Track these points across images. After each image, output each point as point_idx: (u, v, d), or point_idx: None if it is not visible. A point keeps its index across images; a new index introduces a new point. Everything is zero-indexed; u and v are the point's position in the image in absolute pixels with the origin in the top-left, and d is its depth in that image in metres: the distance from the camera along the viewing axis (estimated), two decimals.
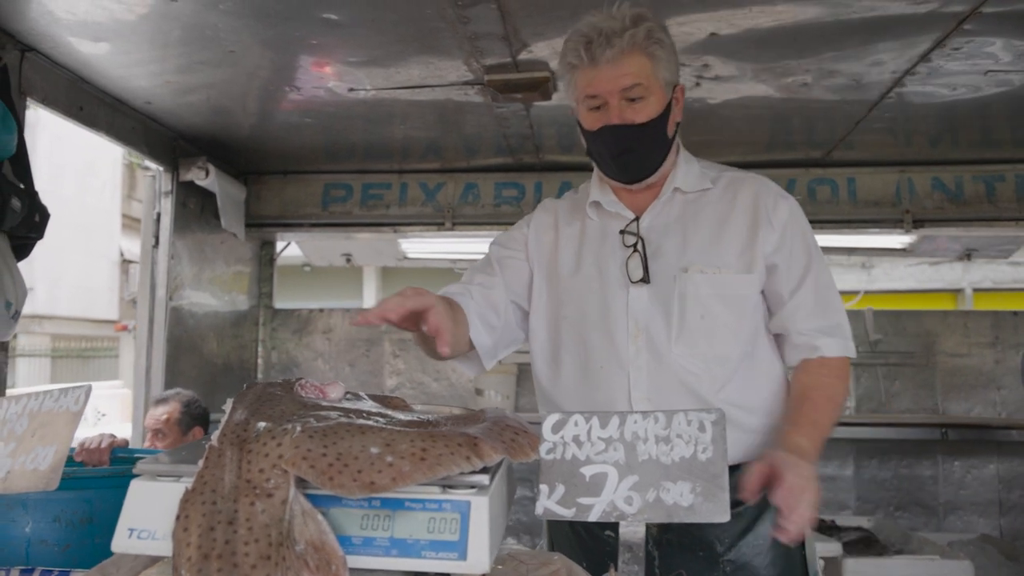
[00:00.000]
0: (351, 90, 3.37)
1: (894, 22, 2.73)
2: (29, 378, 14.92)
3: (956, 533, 4.59)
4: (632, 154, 1.86)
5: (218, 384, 4.42)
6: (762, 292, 1.91)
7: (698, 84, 3.29)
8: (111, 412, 11.63)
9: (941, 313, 5.16)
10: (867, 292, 12.46)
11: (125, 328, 16.33)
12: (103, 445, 2.49)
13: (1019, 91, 3.34)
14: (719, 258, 1.87)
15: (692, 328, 1.83)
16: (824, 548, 3.70)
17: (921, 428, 4.58)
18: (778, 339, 1.94)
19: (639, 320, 1.86)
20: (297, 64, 3.13)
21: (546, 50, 2.96)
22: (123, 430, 3.92)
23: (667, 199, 1.94)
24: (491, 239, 2.16)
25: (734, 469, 1.77)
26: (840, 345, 1.88)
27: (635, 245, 1.89)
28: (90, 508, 1.82)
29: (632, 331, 1.86)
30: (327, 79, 3.26)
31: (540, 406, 2.05)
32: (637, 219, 1.93)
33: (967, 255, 5.91)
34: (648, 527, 1.45)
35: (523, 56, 3.00)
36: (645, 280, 1.86)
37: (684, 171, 1.95)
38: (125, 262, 17.48)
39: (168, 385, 3.81)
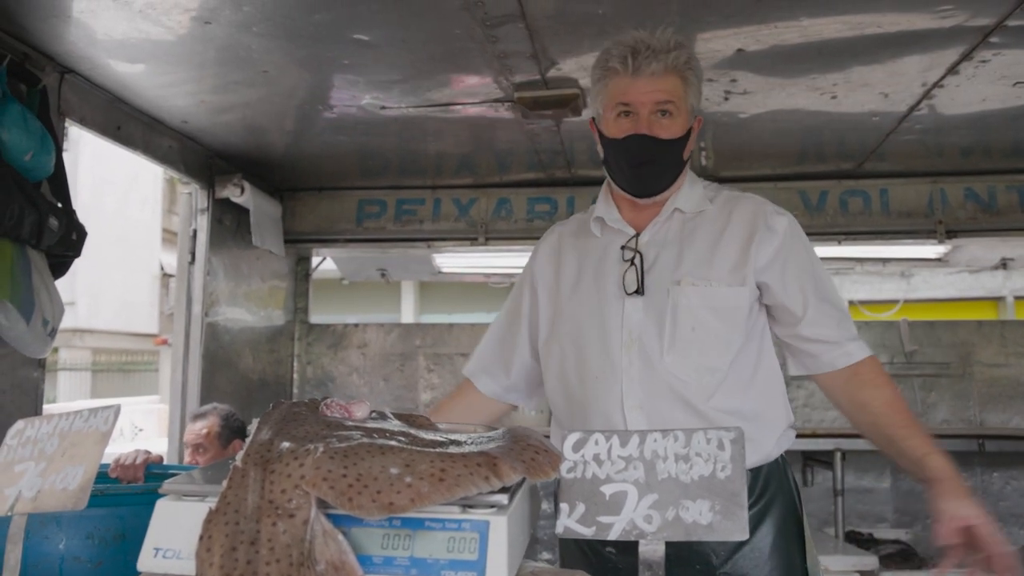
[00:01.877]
0: (383, 108, 3.42)
1: (920, 36, 2.73)
2: (70, 392, 15.11)
3: None
4: (651, 167, 1.91)
5: (254, 399, 4.48)
6: (767, 306, 1.97)
7: (727, 99, 3.29)
8: (148, 427, 11.68)
9: (976, 323, 5.11)
10: (907, 301, 12.31)
11: (165, 342, 16.53)
12: (138, 461, 2.51)
13: None
14: (711, 271, 1.91)
15: (683, 339, 1.87)
16: (861, 562, 3.68)
17: (958, 440, 4.53)
18: (794, 349, 1.98)
19: (633, 331, 1.91)
20: (330, 83, 3.18)
21: (574, 67, 2.98)
22: (160, 445, 3.97)
23: (667, 217, 1.99)
24: (524, 253, 2.26)
25: None
26: (866, 347, 1.95)
27: (632, 259, 1.95)
28: (123, 525, 1.84)
29: (626, 341, 1.90)
30: (360, 98, 3.31)
31: (552, 421, 2.14)
32: (637, 235, 1.98)
33: (1003, 264, 5.82)
34: None
35: (552, 73, 3.03)
36: (639, 292, 1.91)
37: (687, 193, 2.00)
38: (166, 276, 17.71)
39: (204, 401, 3.87)
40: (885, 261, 5.57)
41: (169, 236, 17.52)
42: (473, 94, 3.26)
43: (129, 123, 3.44)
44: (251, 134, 3.83)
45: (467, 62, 2.94)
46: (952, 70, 2.99)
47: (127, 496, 1.95)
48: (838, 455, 4.18)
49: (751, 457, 1.86)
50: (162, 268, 17.58)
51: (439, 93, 3.25)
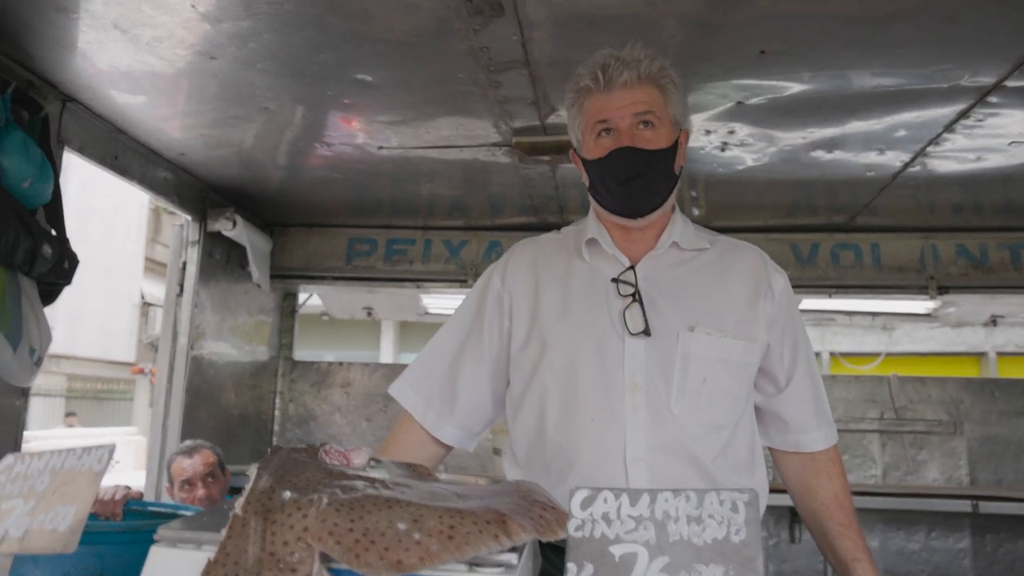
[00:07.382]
0: (380, 148, 3.41)
1: (919, 94, 2.75)
2: (44, 418, 14.87)
3: None
4: (640, 180, 1.77)
5: (234, 435, 4.39)
6: None
7: (724, 149, 3.30)
8: (125, 459, 11.45)
9: (967, 380, 5.09)
10: (888, 354, 12.33)
11: (141, 371, 16.35)
12: (117, 497, 2.42)
13: None
14: (721, 321, 1.80)
15: (693, 391, 1.75)
16: None
17: (950, 499, 4.46)
18: (763, 416, 1.92)
19: (636, 374, 1.75)
20: (329, 121, 3.18)
21: None
22: (137, 478, 3.89)
23: (664, 251, 1.85)
24: None
25: None
26: (833, 434, 1.92)
27: (634, 295, 1.80)
28: (101, 564, 1.77)
29: (629, 385, 1.75)
30: (357, 136, 3.31)
31: (508, 461, 1.95)
32: (633, 267, 1.84)
33: (993, 321, 5.84)
34: None
35: (551, 119, 3.03)
36: (646, 332, 1.76)
37: (681, 228, 1.88)
38: (145, 305, 17.55)
39: (185, 435, 3.80)
40: (875, 315, 5.57)
41: (151, 265, 17.40)
42: (471, 137, 3.26)
43: (126, 154, 3.42)
44: (246, 168, 3.81)
45: (468, 106, 2.94)
46: (949, 128, 3.01)
47: (107, 534, 1.88)
48: None
49: None
50: (143, 297, 17.43)
51: (437, 135, 3.25)
